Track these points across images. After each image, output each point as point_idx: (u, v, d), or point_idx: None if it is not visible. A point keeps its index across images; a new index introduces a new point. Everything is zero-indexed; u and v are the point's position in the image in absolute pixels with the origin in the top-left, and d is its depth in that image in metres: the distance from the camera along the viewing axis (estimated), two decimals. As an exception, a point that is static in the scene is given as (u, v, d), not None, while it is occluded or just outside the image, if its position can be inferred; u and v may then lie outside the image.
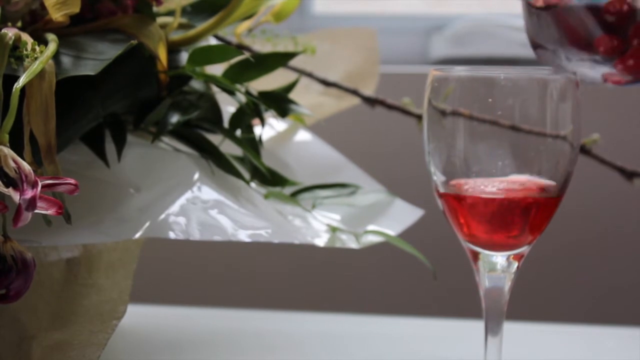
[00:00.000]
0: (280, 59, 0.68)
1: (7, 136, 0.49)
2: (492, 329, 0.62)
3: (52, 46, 0.55)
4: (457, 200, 0.60)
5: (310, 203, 0.70)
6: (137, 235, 0.58)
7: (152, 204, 0.60)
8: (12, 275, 0.49)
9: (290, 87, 0.72)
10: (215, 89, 0.70)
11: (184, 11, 0.69)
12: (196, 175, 0.63)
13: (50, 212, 0.48)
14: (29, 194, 0.46)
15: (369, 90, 0.82)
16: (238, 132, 0.70)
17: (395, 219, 0.73)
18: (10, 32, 0.54)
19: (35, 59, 0.53)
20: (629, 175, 0.76)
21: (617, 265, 1.44)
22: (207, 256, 1.48)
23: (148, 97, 0.65)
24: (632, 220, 1.43)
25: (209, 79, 0.67)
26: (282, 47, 0.75)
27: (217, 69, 0.68)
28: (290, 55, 0.69)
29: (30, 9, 0.62)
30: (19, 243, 0.50)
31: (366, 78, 0.86)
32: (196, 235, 0.60)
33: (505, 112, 0.58)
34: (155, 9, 0.66)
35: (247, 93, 0.68)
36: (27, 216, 0.46)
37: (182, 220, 0.60)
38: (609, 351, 0.81)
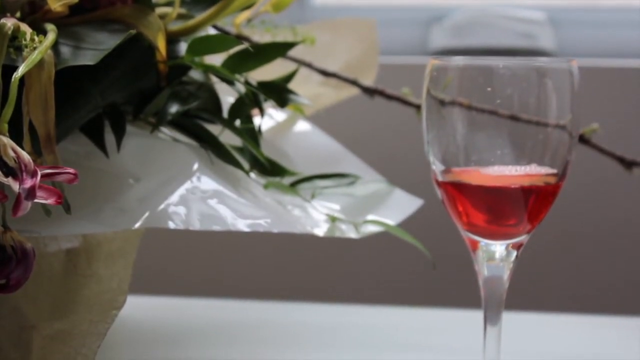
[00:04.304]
0: (279, 49, 0.68)
1: (6, 126, 0.49)
2: (491, 318, 0.62)
3: (51, 36, 0.54)
4: (456, 189, 0.60)
5: (310, 193, 0.70)
6: (137, 225, 0.58)
7: (151, 194, 0.60)
8: (12, 265, 0.49)
9: (289, 78, 0.72)
10: (214, 79, 0.70)
11: (183, 1, 0.69)
12: (195, 166, 0.63)
13: (50, 201, 0.48)
14: (28, 183, 0.46)
15: (368, 81, 0.82)
16: (237, 122, 0.70)
17: (395, 208, 0.73)
18: (9, 22, 0.54)
19: (34, 49, 0.53)
20: (628, 164, 0.76)
21: (616, 254, 1.44)
22: (207, 247, 1.48)
23: (147, 87, 0.65)
24: (632, 209, 1.43)
25: (208, 69, 0.67)
26: (281, 37, 0.75)
27: (216, 59, 0.68)
28: (290, 46, 0.69)
29: (29, -1, 0.62)
30: (19, 233, 0.50)
31: (366, 68, 0.86)
32: (196, 225, 0.60)
33: (504, 101, 0.58)
34: (154, -1, 0.66)
35: (247, 83, 0.68)
36: (26, 206, 0.46)
37: (181, 210, 0.60)
38: (609, 341, 0.81)
